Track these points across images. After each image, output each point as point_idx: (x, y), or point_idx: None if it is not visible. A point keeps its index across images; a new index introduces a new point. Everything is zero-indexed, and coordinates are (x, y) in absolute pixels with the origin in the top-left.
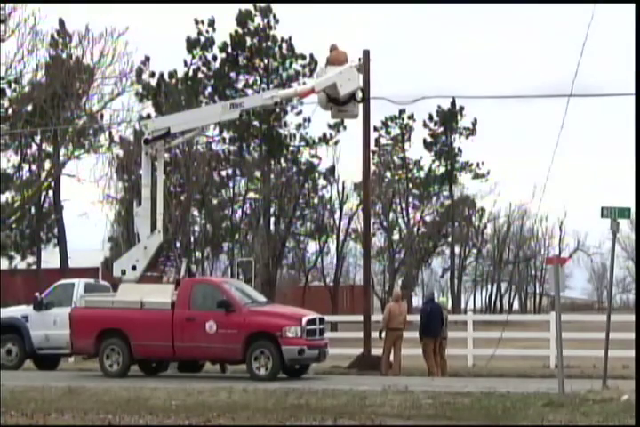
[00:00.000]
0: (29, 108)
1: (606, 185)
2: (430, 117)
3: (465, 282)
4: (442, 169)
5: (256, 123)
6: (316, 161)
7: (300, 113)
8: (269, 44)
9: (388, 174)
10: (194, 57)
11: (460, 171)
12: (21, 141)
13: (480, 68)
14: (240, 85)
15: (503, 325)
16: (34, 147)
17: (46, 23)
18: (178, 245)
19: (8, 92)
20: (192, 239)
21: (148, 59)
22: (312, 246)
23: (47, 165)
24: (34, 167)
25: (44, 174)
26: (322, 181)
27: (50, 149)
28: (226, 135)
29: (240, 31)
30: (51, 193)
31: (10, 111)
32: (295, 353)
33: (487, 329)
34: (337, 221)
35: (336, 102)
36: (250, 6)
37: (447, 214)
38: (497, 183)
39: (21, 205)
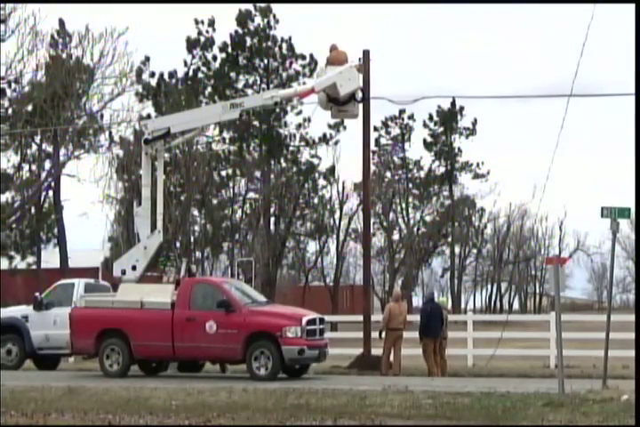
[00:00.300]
0: (29, 108)
1: (606, 185)
2: (430, 117)
3: (465, 282)
4: (442, 169)
5: (256, 123)
6: (316, 161)
7: (300, 113)
8: (269, 44)
9: (388, 174)
10: (194, 57)
11: (460, 171)
12: (21, 141)
13: (480, 68)
14: (240, 85)
15: (503, 325)
16: (34, 147)
17: (46, 23)
18: (178, 245)
19: (8, 92)
20: (192, 239)
21: (147, 59)
22: (312, 246)
23: (47, 165)
24: (34, 167)
25: (44, 174)
26: (322, 181)
27: (50, 149)
28: (226, 135)
29: (240, 31)
30: (51, 193)
31: (10, 111)
32: (295, 353)
33: (487, 329)
34: (337, 221)
35: (336, 102)
36: (250, 6)
37: (447, 214)
38: (497, 183)
39: (21, 205)
